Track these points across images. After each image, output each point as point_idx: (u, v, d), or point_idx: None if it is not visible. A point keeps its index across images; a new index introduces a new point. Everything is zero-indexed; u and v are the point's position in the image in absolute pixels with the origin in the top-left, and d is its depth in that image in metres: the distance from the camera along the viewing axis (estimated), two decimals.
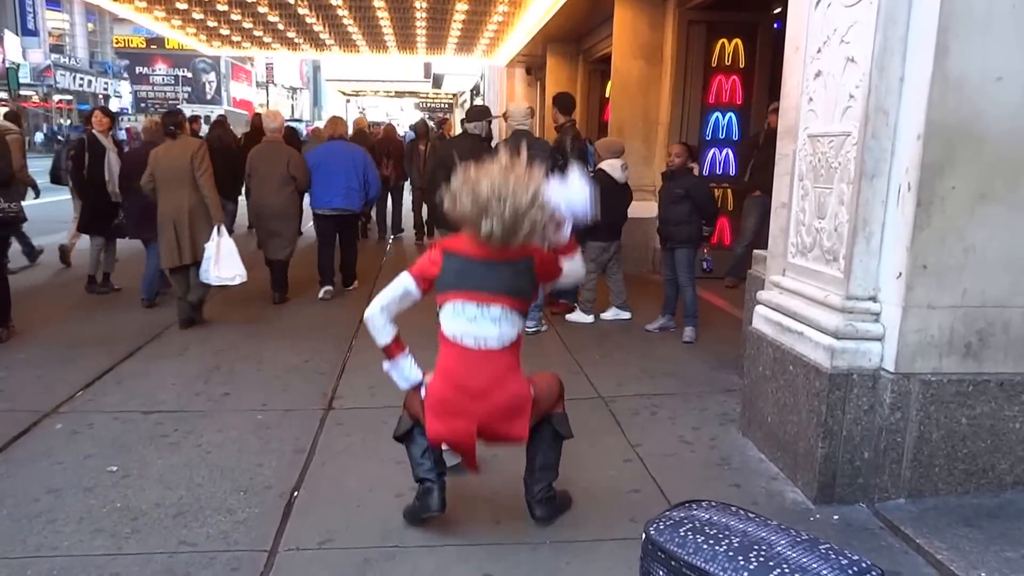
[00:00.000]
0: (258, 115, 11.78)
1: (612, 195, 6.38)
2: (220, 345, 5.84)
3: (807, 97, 3.68)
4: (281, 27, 14.50)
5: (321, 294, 7.59)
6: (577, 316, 6.85)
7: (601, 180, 6.34)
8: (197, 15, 13.47)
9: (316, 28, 14.30)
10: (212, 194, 6.10)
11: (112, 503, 3.33)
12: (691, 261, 6.16)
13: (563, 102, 6.88)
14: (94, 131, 7.47)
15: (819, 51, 3.57)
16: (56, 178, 8.83)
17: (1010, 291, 3.24)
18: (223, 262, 6.05)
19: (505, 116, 6.69)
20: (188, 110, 31.11)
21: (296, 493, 3.46)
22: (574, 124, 6.89)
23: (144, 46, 50.43)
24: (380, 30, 14.39)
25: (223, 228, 6.20)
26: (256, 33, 15.22)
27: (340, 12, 12.85)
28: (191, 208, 6.07)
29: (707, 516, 2.34)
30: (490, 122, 6.85)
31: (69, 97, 43.91)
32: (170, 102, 51.12)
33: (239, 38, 16.00)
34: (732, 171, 8.81)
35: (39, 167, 10.21)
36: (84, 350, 5.60)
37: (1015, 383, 3.27)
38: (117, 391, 4.78)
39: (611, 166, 6.57)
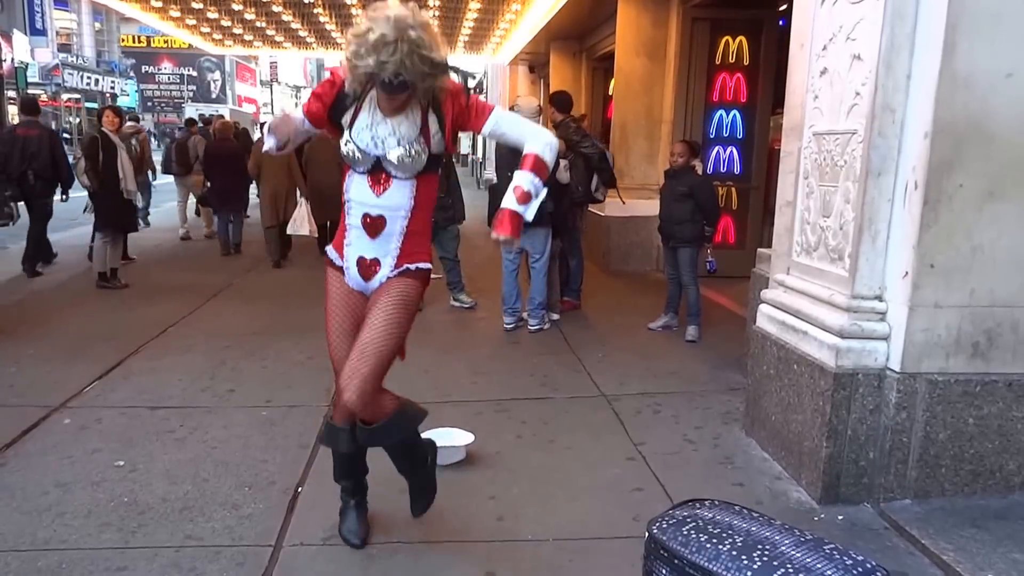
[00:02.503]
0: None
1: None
2: (225, 342, 5.85)
3: (812, 95, 3.66)
4: (295, 26, 14.51)
5: None
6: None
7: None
8: (212, 14, 13.51)
9: (328, 27, 14.33)
10: (299, 178, 9.09)
11: (119, 497, 3.34)
12: (694, 260, 6.14)
13: (560, 101, 6.91)
14: (107, 130, 7.53)
15: (825, 48, 3.56)
16: (167, 169, 12.20)
17: (1019, 290, 3.21)
18: (300, 221, 8.80)
19: (512, 109, 6.69)
20: (193, 109, 31.20)
21: (300, 488, 3.47)
22: (575, 119, 6.88)
23: (145, 44, 50.56)
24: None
25: (304, 200, 8.86)
26: (269, 32, 15.24)
27: (354, 12, 12.89)
28: (287, 187, 9.17)
29: (710, 515, 2.33)
30: None
31: (77, 96, 43.97)
32: (175, 101, 51.27)
33: (251, 36, 16.00)
34: (737, 169, 8.79)
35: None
36: (92, 346, 5.62)
37: (1023, 383, 3.26)
38: (125, 386, 4.80)
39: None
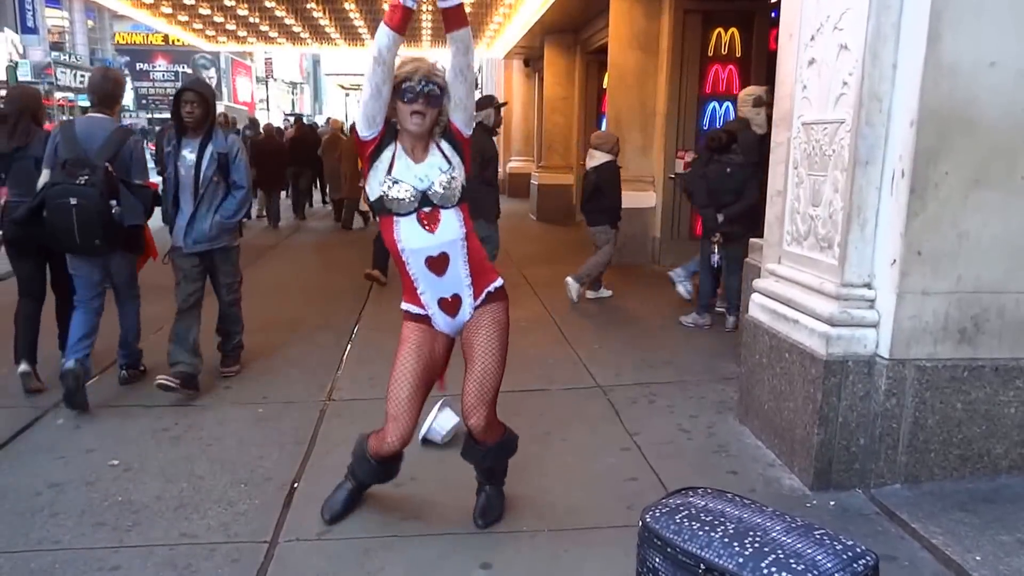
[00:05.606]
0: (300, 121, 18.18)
1: None
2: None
3: (801, 85, 3.68)
4: (288, 21, 14.50)
5: None
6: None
7: None
8: (204, 10, 13.49)
9: (322, 22, 14.31)
10: None
11: (114, 496, 3.35)
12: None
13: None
14: None
15: (812, 38, 3.58)
16: None
17: (1005, 276, 3.24)
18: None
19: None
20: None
21: (296, 485, 3.49)
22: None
23: (138, 42, 50.44)
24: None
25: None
26: (262, 28, 15.21)
27: (347, 5, 12.87)
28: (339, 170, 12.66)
29: (703, 503, 2.35)
30: (498, 109, 6.85)
31: (71, 95, 43.87)
32: (171, 98, 51.10)
33: (244, 32, 15.95)
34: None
35: None
36: None
37: (1010, 368, 3.28)
38: (118, 385, 4.80)
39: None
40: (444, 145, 2.87)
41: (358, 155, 2.95)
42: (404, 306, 2.98)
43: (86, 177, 4.16)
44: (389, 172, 2.80)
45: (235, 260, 4.93)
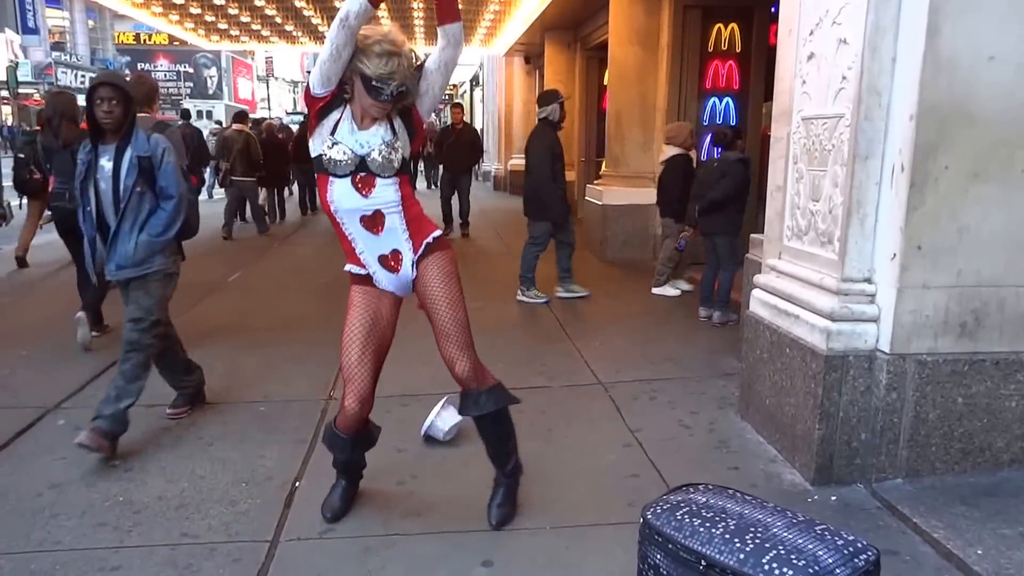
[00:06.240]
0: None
1: None
2: (222, 337, 5.87)
3: (800, 80, 3.67)
4: (279, 20, 14.49)
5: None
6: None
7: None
8: (194, 9, 13.49)
9: (315, 21, 14.30)
10: None
11: (115, 497, 3.35)
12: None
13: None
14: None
15: (811, 33, 3.57)
16: None
17: (1005, 270, 3.23)
18: None
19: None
20: (191, 105, 31.20)
21: (298, 483, 3.49)
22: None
23: (133, 42, 50.51)
24: (377, 20, 14.32)
25: None
26: (254, 27, 15.21)
27: (336, 5, 12.85)
28: None
29: (704, 499, 2.35)
30: (562, 104, 6.85)
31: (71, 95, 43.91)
32: (172, 98, 51.20)
33: (237, 32, 15.98)
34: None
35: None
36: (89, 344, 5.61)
37: (1011, 362, 3.28)
38: None
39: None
40: (396, 120, 2.88)
41: (308, 109, 2.92)
42: (347, 267, 3.00)
43: None
44: (332, 133, 2.81)
45: (158, 293, 3.97)
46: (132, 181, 3.79)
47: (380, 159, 2.80)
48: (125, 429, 3.78)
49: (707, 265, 6.42)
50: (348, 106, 2.83)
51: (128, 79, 4.54)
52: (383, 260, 2.92)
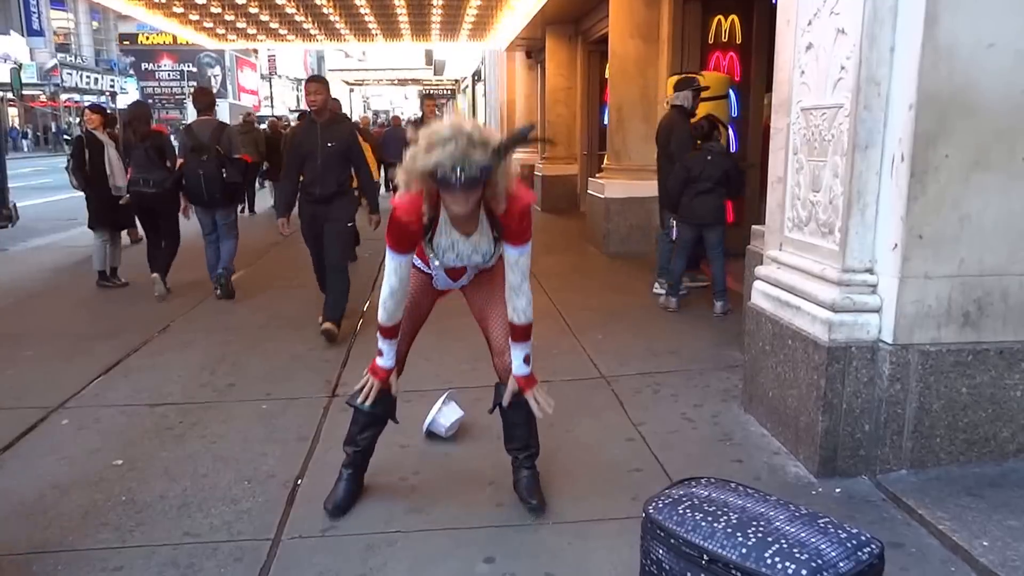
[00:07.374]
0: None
1: None
2: (226, 336, 5.88)
3: (799, 70, 3.65)
4: (298, 18, 14.51)
5: None
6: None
7: None
8: (215, 8, 13.54)
9: (333, 18, 14.31)
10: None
11: (117, 496, 3.35)
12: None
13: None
14: (90, 128, 7.61)
15: (810, 23, 3.54)
16: None
17: (1008, 259, 3.21)
18: None
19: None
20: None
21: (300, 481, 3.49)
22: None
23: (140, 43, 50.57)
24: (396, 18, 14.39)
25: None
26: (272, 25, 15.21)
27: (357, 1, 12.90)
28: None
29: (706, 493, 2.35)
30: (697, 92, 6.74)
31: (77, 96, 43.99)
32: (176, 97, 51.31)
33: (254, 31, 15.96)
34: (732, 148, 8.75)
35: (45, 165, 10.31)
36: (92, 345, 5.65)
37: (1015, 351, 3.25)
38: (124, 385, 4.82)
39: None
40: (483, 219, 2.85)
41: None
42: (415, 261, 3.09)
43: (205, 157, 6.74)
44: (430, 242, 2.90)
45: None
46: None
47: (476, 267, 3.05)
48: None
49: (677, 255, 6.46)
50: (443, 209, 2.77)
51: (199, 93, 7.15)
52: (449, 271, 3.07)
